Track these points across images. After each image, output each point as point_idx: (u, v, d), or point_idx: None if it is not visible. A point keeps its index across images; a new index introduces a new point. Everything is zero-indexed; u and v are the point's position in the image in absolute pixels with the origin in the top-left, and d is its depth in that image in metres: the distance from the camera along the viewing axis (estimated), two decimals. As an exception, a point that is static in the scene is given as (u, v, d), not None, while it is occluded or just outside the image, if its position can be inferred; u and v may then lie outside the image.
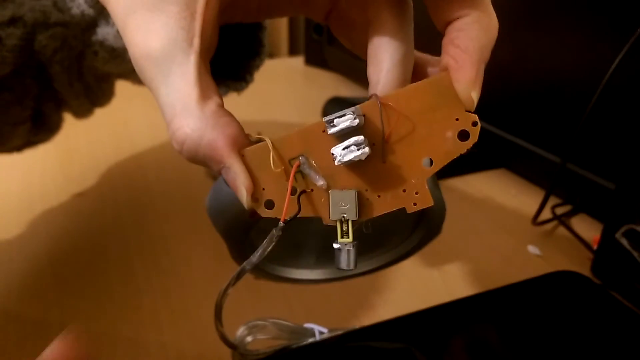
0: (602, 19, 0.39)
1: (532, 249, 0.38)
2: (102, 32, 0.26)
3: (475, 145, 0.17)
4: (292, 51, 1.19)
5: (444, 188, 0.47)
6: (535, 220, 0.41)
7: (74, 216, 0.42)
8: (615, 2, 0.37)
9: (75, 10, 0.25)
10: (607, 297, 0.28)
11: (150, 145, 0.56)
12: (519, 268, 0.36)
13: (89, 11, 0.25)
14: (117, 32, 0.25)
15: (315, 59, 0.85)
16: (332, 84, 0.77)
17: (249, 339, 0.25)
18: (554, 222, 0.42)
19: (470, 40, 0.17)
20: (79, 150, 0.53)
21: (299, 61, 0.88)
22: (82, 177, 0.48)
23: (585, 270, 0.35)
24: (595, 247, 0.35)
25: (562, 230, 0.41)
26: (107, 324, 0.31)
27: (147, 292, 0.33)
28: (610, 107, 0.37)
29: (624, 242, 0.32)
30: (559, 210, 0.42)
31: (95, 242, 0.39)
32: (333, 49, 0.77)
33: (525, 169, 0.49)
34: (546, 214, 0.41)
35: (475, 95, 0.17)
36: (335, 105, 0.63)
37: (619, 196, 0.32)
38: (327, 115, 0.17)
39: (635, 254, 0.31)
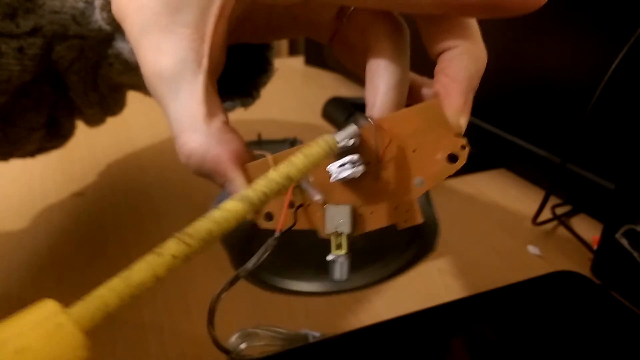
0: (602, 19, 0.39)
1: (532, 249, 0.38)
2: (118, 46, 0.27)
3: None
4: (292, 51, 1.19)
5: (444, 188, 0.47)
6: (535, 220, 0.41)
7: (73, 216, 0.42)
8: (615, 3, 0.37)
9: (93, 25, 0.26)
10: (607, 297, 0.28)
11: (150, 145, 0.56)
12: (519, 268, 0.36)
13: (106, 27, 0.26)
14: (133, 51, 0.26)
15: (315, 59, 0.85)
16: (332, 84, 0.77)
17: (242, 346, 0.26)
18: (554, 222, 0.42)
19: (459, 69, 0.18)
20: (79, 150, 0.53)
21: (299, 61, 0.88)
22: (82, 176, 0.48)
23: (585, 270, 0.35)
24: (595, 247, 0.35)
25: (562, 230, 0.41)
26: (106, 323, 0.31)
27: (147, 292, 0.33)
28: (610, 107, 0.37)
29: (624, 242, 0.32)
30: (559, 210, 0.42)
31: (95, 242, 0.39)
32: (333, 49, 0.77)
33: (525, 169, 0.49)
34: (546, 214, 0.41)
35: (463, 121, 0.18)
36: (335, 105, 0.63)
37: (619, 196, 0.32)
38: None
39: (635, 254, 0.31)
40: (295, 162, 0.15)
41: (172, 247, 0.13)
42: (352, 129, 0.17)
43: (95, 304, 0.12)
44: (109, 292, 0.12)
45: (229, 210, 0.14)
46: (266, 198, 0.15)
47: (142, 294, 0.13)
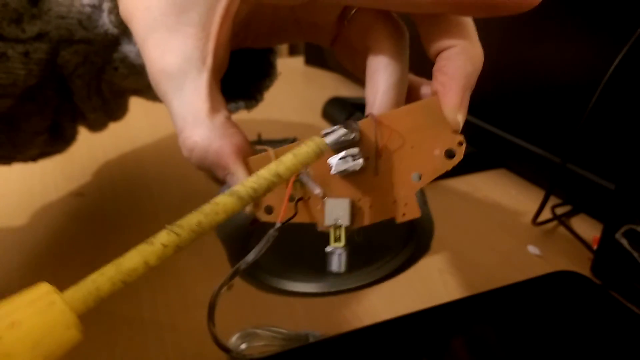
0: (602, 19, 0.39)
1: (532, 249, 0.38)
2: (124, 49, 0.28)
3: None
4: (292, 51, 1.19)
5: (444, 188, 0.47)
6: (535, 220, 0.41)
7: (73, 216, 0.42)
8: (615, 3, 0.37)
9: (100, 30, 0.26)
10: (607, 297, 0.28)
11: (150, 144, 0.56)
12: (519, 268, 0.36)
13: (113, 31, 0.26)
14: (139, 50, 0.27)
15: (315, 59, 0.85)
16: (332, 84, 0.77)
17: (242, 346, 0.26)
18: (554, 222, 0.42)
19: (456, 68, 0.18)
20: (79, 150, 0.53)
21: (299, 61, 0.88)
22: (82, 176, 0.49)
23: (585, 270, 0.35)
24: (595, 247, 0.35)
25: (562, 230, 0.41)
26: (106, 323, 0.31)
27: (147, 292, 0.33)
28: (610, 107, 0.37)
29: (624, 242, 0.32)
30: (559, 210, 0.43)
31: (95, 242, 0.39)
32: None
33: (525, 169, 0.49)
34: (546, 214, 0.41)
35: (460, 118, 0.18)
36: (335, 105, 0.63)
37: (619, 196, 0.32)
38: (325, 129, 0.18)
39: (635, 254, 0.31)
40: (284, 160, 0.16)
41: (163, 237, 0.14)
42: (341, 131, 0.17)
43: (88, 287, 0.13)
44: (101, 277, 0.13)
45: (218, 203, 0.15)
46: (255, 194, 0.15)
47: (133, 280, 0.13)
